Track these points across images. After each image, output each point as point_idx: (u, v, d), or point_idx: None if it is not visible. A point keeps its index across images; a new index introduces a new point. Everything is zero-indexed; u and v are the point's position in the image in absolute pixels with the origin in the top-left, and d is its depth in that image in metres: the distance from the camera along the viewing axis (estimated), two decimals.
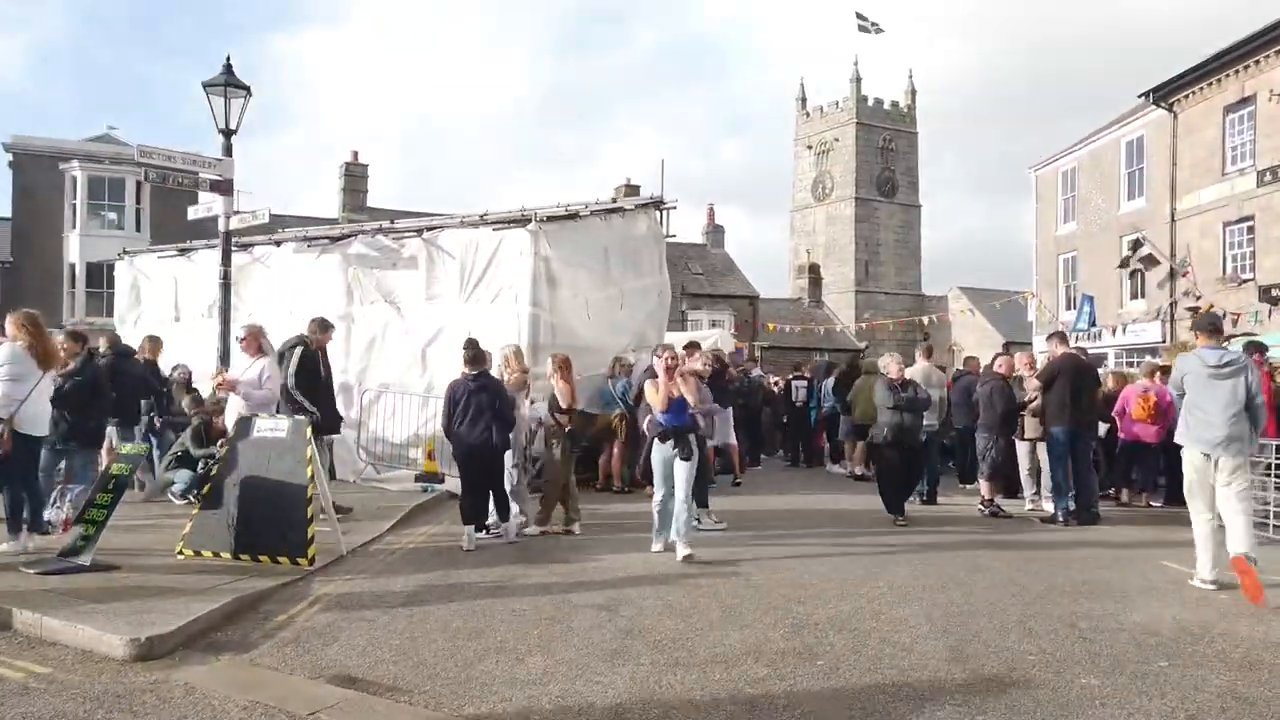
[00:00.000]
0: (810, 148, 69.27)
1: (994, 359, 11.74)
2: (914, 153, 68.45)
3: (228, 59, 12.31)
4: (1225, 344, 7.13)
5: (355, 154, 34.81)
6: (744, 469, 15.02)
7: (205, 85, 12.29)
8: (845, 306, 62.48)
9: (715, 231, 41.34)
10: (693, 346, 13.69)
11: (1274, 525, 8.71)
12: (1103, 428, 11.73)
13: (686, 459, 7.67)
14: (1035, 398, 10.28)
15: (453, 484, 11.16)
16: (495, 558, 7.45)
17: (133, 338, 12.56)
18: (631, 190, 38.80)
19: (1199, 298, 22.43)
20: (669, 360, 7.97)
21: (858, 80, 65.41)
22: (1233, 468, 6.52)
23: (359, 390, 12.18)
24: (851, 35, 68.94)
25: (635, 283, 13.84)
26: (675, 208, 14.66)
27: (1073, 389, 9.75)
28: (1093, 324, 26.22)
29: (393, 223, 13.37)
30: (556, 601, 6.00)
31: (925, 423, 10.41)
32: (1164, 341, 22.96)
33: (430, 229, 12.53)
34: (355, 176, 34.14)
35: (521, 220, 11.89)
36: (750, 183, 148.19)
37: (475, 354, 8.50)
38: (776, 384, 18.48)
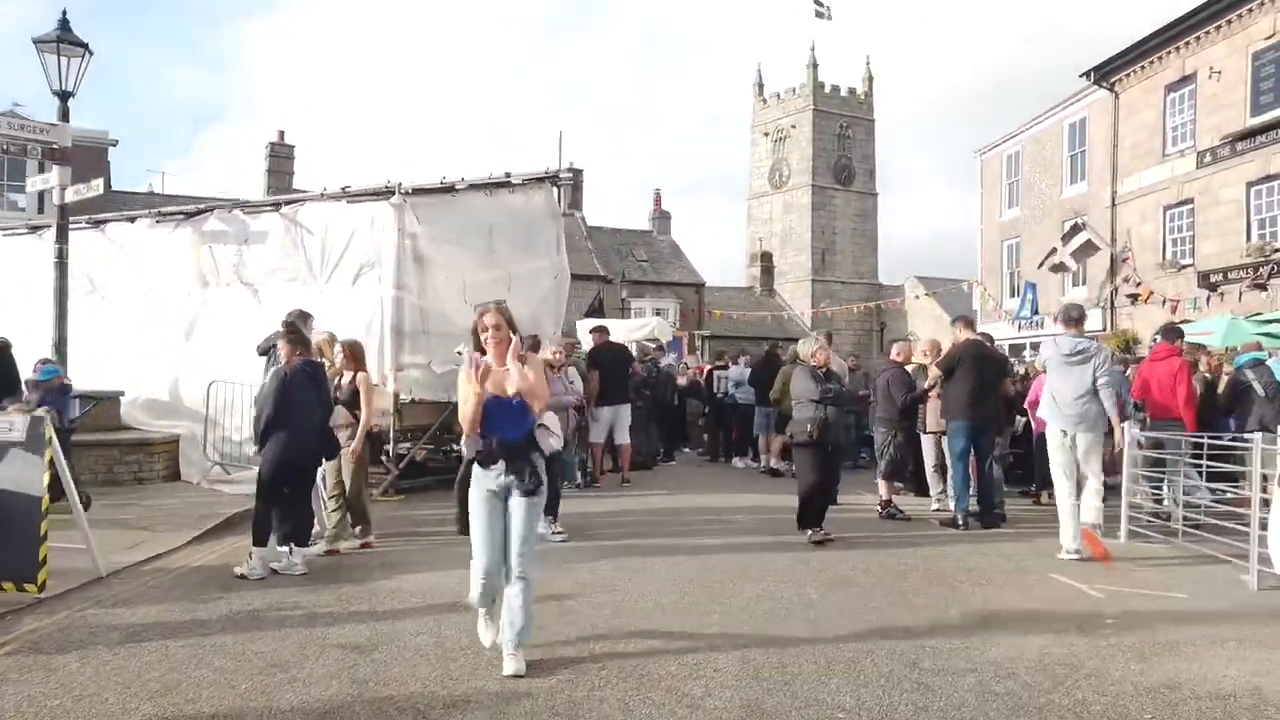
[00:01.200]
0: (767, 135, 68.42)
1: (890, 345, 10.82)
2: (871, 140, 67.77)
3: (64, 14, 11.08)
4: (1082, 333, 7.89)
5: (281, 134, 33.31)
6: (653, 464, 14.07)
7: (36, 41, 11.06)
8: (801, 295, 61.77)
9: (661, 218, 40.29)
10: (600, 331, 12.66)
11: (1191, 519, 7.88)
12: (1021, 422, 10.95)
13: (530, 494, 4.56)
14: (935, 385, 9.39)
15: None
16: (280, 581, 6.35)
17: None
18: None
19: (1139, 284, 21.79)
20: (494, 334, 4.79)
21: (814, 66, 64.59)
22: (1086, 445, 7.56)
23: (206, 383, 11.00)
24: (808, 21, 67.72)
25: (526, 264, 12.73)
26: (572, 182, 13.62)
27: (976, 379, 8.84)
28: (1035, 312, 25.55)
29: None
30: (306, 639, 4.95)
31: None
32: (1104, 329, 22.30)
33: (289, 202, 11.38)
34: (280, 157, 32.64)
35: (384, 193, 10.77)
36: (710, 170, 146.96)
37: (298, 336, 7.36)
38: (700, 374, 17.52)
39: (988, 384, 8.89)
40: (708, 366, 16.45)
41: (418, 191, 10.95)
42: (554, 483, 7.95)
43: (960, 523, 8.82)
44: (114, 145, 28.62)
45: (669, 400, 14.44)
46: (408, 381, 10.73)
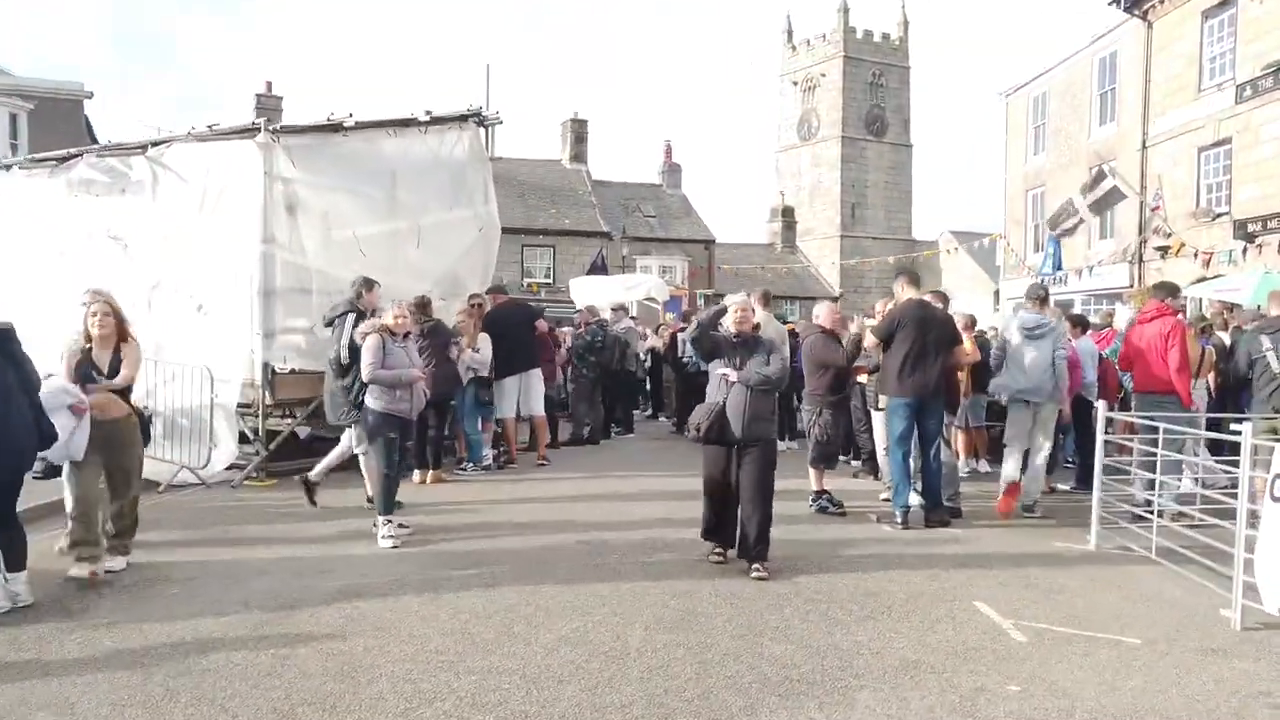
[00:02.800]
0: (796, 84, 65.71)
1: (815, 306, 9.20)
2: (906, 89, 64.69)
3: None
4: (1044, 312, 8.08)
5: (269, 84, 32.07)
6: (599, 438, 12.65)
7: None
8: (829, 252, 59.66)
9: (672, 171, 38.40)
10: (496, 291, 11.22)
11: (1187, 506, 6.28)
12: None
13: None
14: (871, 357, 7.83)
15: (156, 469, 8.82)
16: (27, 616, 5.02)
17: None
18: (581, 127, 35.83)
19: (1169, 235, 19.69)
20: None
21: (845, 10, 61.59)
22: (1046, 415, 7.94)
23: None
24: None
25: (439, 215, 11.27)
26: (500, 122, 12.02)
27: (915, 347, 7.26)
28: (1058, 267, 23.46)
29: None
30: None
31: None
32: (1130, 286, 20.27)
33: (156, 144, 9.98)
34: (268, 110, 31.34)
35: (249, 130, 9.34)
36: (735, 123, 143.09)
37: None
38: (654, 336, 16.00)
39: (929, 352, 7.30)
40: (673, 329, 14.89)
41: (291, 130, 9.51)
42: (387, 468, 6.61)
43: (899, 520, 7.31)
44: (89, 98, 27.49)
45: (617, 366, 12.94)
46: (281, 348, 9.39)
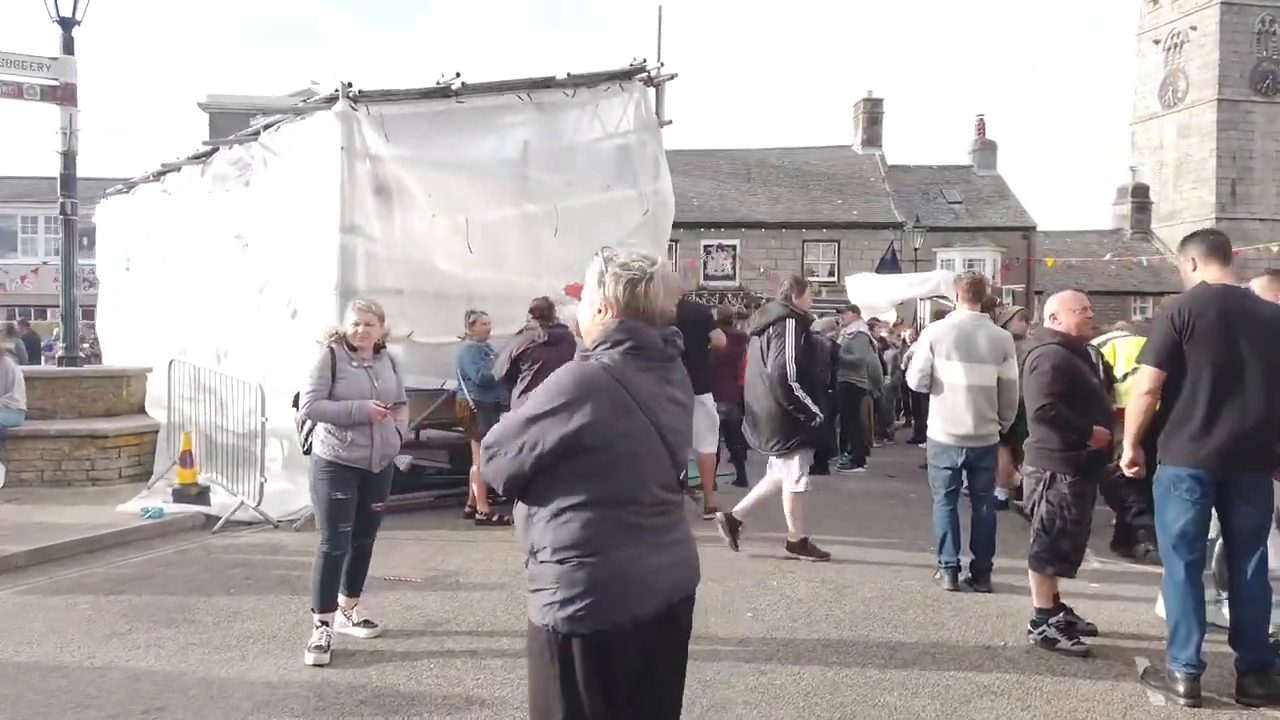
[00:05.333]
0: (1158, 42, 56.14)
1: (1050, 299, 5.75)
2: None
3: None
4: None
5: None
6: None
7: None
8: None
9: (984, 149, 33.30)
10: None
11: None
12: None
13: None
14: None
15: (223, 501, 7.61)
16: None
17: None
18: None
19: None
20: None
21: None
22: None
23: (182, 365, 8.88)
24: None
25: (589, 196, 9.22)
26: (673, 78, 9.67)
27: (1228, 373, 3.92)
28: None
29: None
30: None
31: None
32: None
33: (268, 125, 8.84)
34: None
35: (328, 100, 7.82)
36: (1072, 93, 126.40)
37: None
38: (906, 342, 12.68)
39: (1255, 384, 3.92)
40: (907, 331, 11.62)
41: (382, 97, 7.85)
42: (328, 543, 4.63)
43: (1179, 686, 3.99)
44: None
45: (828, 380, 10.02)
46: None
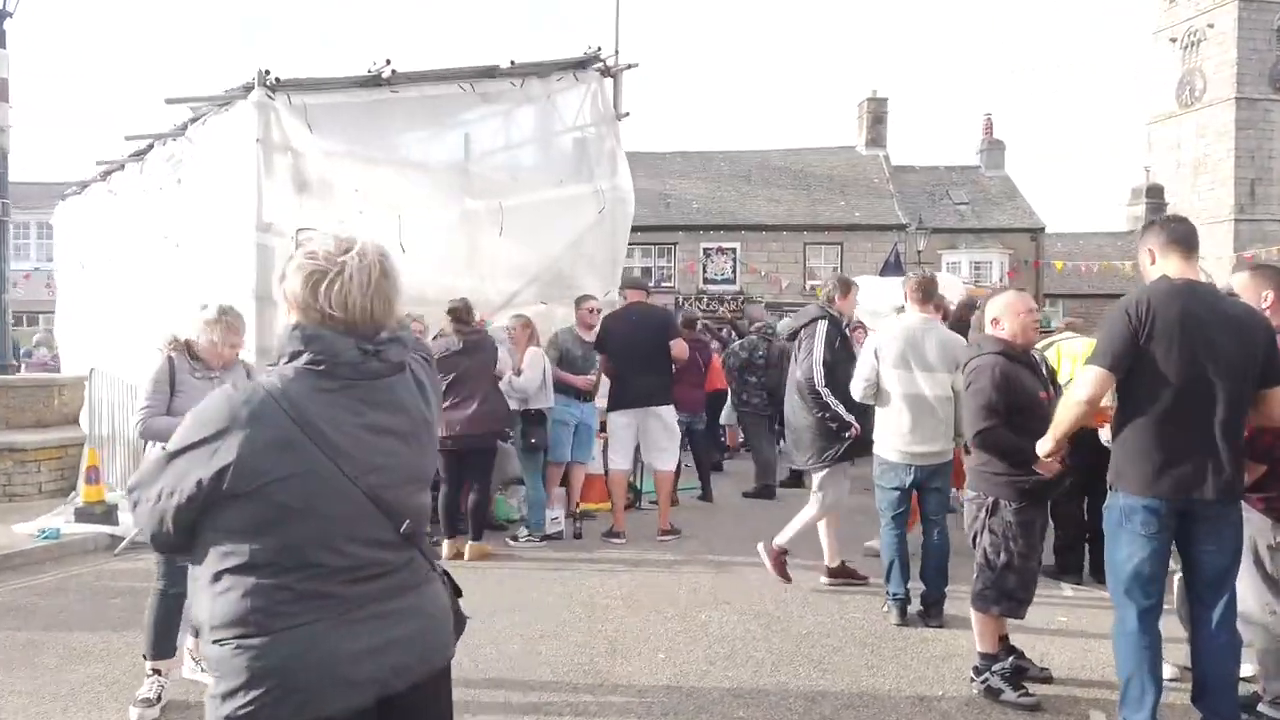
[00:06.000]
0: (1174, 40, 55.17)
1: (993, 299, 5.18)
2: None
3: None
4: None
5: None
6: (774, 490, 9.27)
7: None
8: (1220, 240, 48.86)
9: (992, 149, 32.52)
10: (636, 289, 8.13)
11: None
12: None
13: None
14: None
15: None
16: None
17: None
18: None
19: None
20: None
21: None
22: None
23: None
24: None
25: (537, 193, 8.65)
26: (631, 67, 9.11)
27: (1188, 385, 3.29)
28: None
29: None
30: None
31: None
32: None
33: (195, 119, 8.31)
34: None
35: (245, 89, 7.29)
36: (1084, 92, 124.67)
37: None
38: None
39: (1216, 399, 3.29)
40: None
41: (304, 85, 7.31)
42: (164, 579, 4.10)
43: None
44: None
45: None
46: None
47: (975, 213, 30.62)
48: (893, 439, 5.16)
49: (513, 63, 8.23)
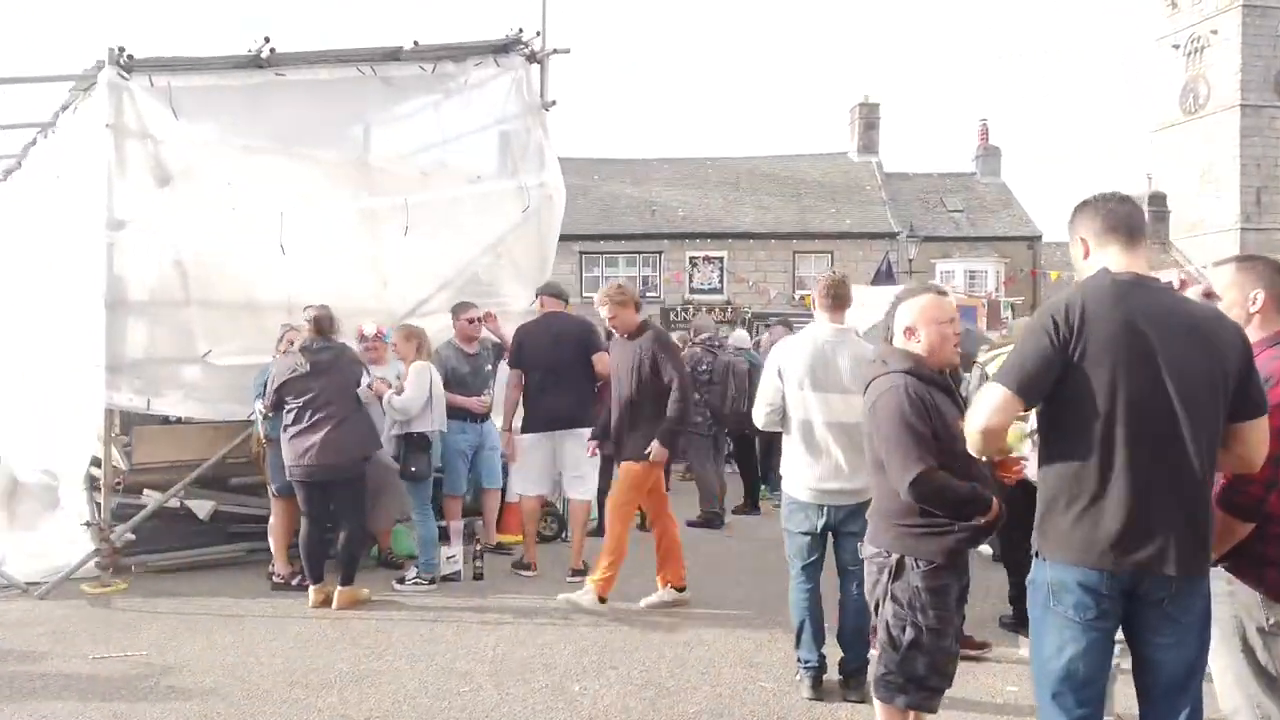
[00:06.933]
0: (1177, 47, 54.41)
1: (901, 304, 4.28)
2: None
3: None
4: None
5: None
6: (720, 519, 8.37)
7: None
8: (1227, 249, 47.77)
9: (987, 156, 31.53)
10: (552, 297, 7.21)
11: None
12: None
13: None
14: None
15: None
16: None
17: None
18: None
19: None
20: None
21: None
22: None
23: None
24: None
25: (449, 189, 7.80)
26: (561, 52, 8.24)
27: (1133, 414, 2.39)
28: None
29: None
30: None
31: None
32: None
33: (65, 106, 7.47)
34: None
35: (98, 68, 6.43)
36: (1084, 99, 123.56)
37: None
38: None
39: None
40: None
41: (167, 64, 6.46)
42: None
43: None
44: None
45: (731, 409, 8.47)
46: (143, 387, 6.34)
47: (970, 220, 29.66)
48: (801, 474, 4.26)
49: (416, 43, 7.37)
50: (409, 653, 4.85)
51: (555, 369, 6.40)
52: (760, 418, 4.43)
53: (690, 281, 28.52)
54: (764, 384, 4.44)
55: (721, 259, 28.29)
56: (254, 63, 6.76)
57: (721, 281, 28.38)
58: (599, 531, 6.49)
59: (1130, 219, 2.66)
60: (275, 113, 6.94)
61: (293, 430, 5.52)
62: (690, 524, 8.38)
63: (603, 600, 5.55)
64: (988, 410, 2.51)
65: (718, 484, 8.47)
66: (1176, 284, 4.57)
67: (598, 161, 30.80)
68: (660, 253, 28.44)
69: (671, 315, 27.01)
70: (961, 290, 25.89)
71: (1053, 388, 2.48)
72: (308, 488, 5.50)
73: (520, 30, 8.02)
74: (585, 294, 28.17)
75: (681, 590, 5.75)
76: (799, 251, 28.03)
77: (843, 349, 4.22)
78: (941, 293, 3.44)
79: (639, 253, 28.49)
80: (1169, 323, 2.47)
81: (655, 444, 5.45)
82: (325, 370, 5.55)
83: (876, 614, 3.28)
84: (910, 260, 25.60)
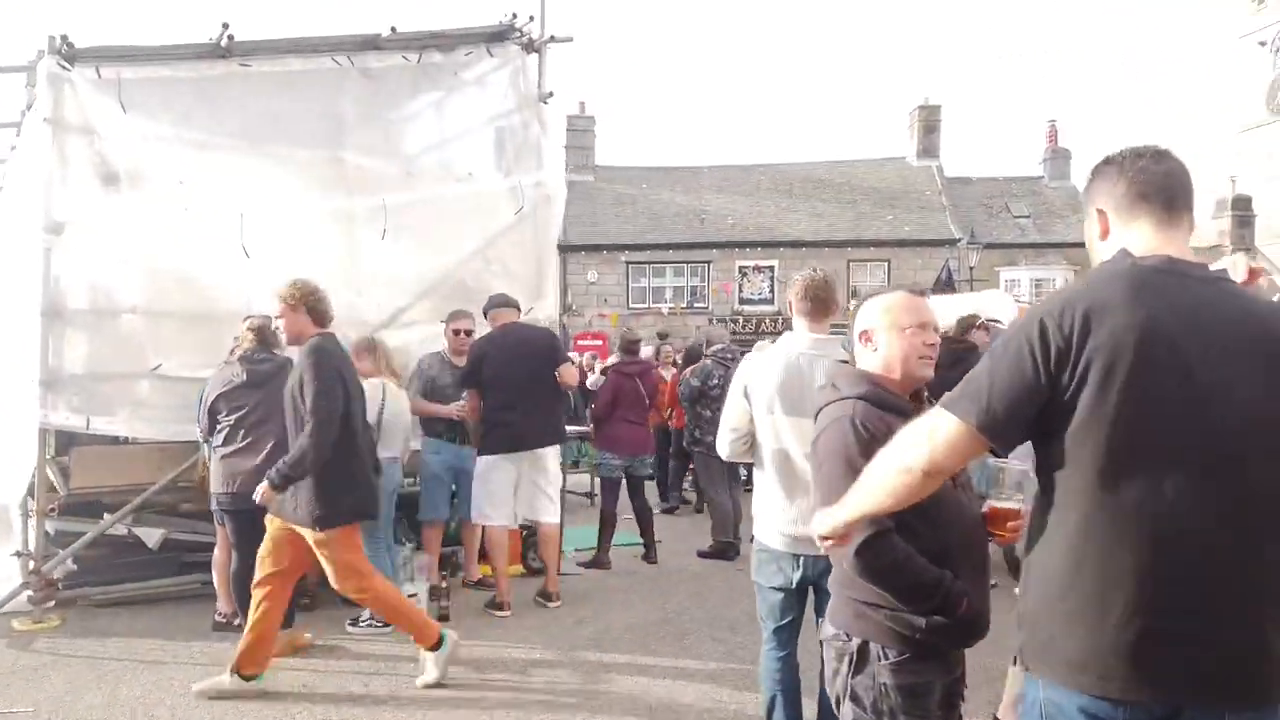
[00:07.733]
0: (1263, 44, 51.58)
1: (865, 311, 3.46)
2: None
3: None
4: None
5: (581, 104, 30.43)
6: (723, 551, 7.58)
7: None
8: None
9: (1056, 159, 30.01)
10: (504, 309, 6.49)
11: None
12: None
13: None
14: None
15: None
16: None
17: None
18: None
19: None
20: None
21: None
22: None
23: None
24: None
25: (434, 188, 7.18)
26: (553, 39, 7.57)
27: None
28: None
29: None
30: None
31: None
32: None
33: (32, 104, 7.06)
34: (578, 130, 29.68)
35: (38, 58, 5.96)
36: (1171, 101, 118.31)
37: None
38: None
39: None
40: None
41: (115, 54, 5.96)
42: None
43: None
44: None
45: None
46: (84, 404, 5.82)
47: (1037, 226, 28.20)
48: (773, 516, 3.48)
49: (394, 29, 6.77)
50: (324, 718, 4.18)
51: (519, 385, 5.76)
52: (724, 446, 3.67)
53: (740, 291, 27.69)
54: (729, 406, 3.68)
55: (772, 268, 27.38)
56: (215, 52, 6.24)
57: (772, 291, 27.46)
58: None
59: (1169, 182, 1.83)
60: (240, 107, 6.39)
61: (223, 451, 4.92)
62: (701, 554, 7.62)
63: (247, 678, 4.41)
64: (936, 444, 1.73)
65: (732, 511, 7.66)
66: (1240, 274, 3.60)
67: (646, 170, 30.20)
68: (709, 262, 27.67)
69: (723, 326, 26.18)
70: (1026, 299, 24.59)
71: (1045, 423, 1.68)
72: (237, 518, 4.89)
73: (514, 16, 7.38)
74: (632, 305, 27.57)
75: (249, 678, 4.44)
76: (854, 260, 26.97)
77: (822, 364, 3.42)
78: (919, 293, 2.63)
79: (687, 262, 27.77)
80: (1219, 330, 1.65)
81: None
82: (263, 383, 4.95)
83: (837, 710, 2.48)
84: (971, 268, 24.34)
